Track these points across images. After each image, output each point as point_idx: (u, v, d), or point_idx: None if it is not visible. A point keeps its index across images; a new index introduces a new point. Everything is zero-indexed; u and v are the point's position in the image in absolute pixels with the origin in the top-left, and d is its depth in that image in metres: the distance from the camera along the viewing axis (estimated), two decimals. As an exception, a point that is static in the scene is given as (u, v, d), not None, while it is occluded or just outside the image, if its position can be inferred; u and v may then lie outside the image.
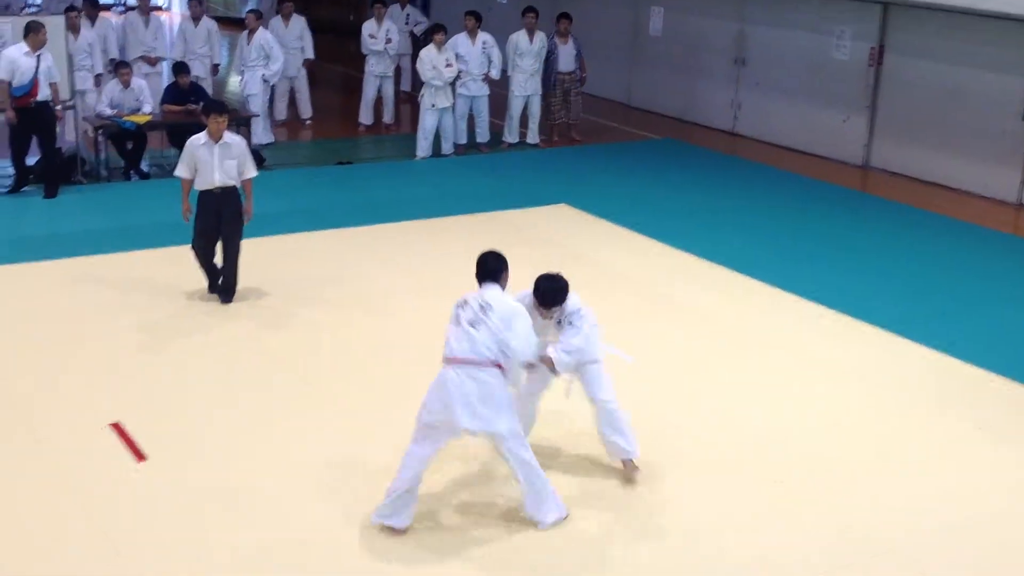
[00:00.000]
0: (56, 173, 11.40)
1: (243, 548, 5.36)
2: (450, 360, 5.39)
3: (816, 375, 7.63)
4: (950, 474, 6.30)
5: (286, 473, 6.07)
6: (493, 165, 13.65)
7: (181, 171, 8.37)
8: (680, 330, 8.27)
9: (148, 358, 7.56)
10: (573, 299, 5.87)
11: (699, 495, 5.98)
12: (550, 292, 5.77)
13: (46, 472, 6.03)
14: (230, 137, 8.32)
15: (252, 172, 8.46)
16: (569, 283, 5.81)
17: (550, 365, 5.76)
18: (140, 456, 6.21)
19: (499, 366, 5.34)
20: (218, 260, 8.55)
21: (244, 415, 6.76)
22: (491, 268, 5.61)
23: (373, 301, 8.78)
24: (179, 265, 8.77)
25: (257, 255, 9.74)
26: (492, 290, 5.54)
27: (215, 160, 8.23)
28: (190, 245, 8.47)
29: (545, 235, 10.63)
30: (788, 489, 6.06)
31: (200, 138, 8.25)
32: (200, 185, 8.30)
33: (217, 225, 8.37)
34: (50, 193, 11.28)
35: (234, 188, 8.37)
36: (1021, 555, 5.52)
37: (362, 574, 5.23)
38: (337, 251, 10.03)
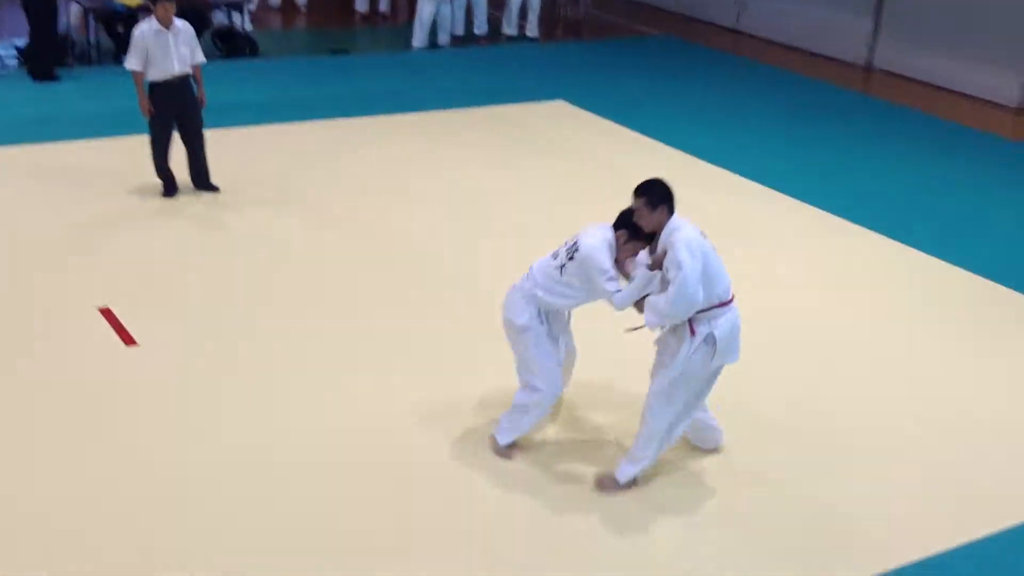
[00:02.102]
0: (46, 55, 11.23)
1: (229, 438, 5.42)
2: (730, 301, 4.85)
3: (811, 277, 7.62)
4: (933, 372, 6.33)
5: (278, 369, 6.10)
6: (490, 58, 13.43)
7: (133, 63, 7.88)
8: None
9: (136, 244, 7.52)
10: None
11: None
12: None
13: (37, 353, 6.05)
14: (179, 22, 7.99)
15: (201, 58, 8.17)
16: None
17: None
18: (130, 340, 6.22)
19: None
20: (179, 162, 8.32)
21: (237, 305, 6.76)
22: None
23: (363, 193, 8.71)
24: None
25: (246, 144, 9.68)
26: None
27: (173, 47, 7.91)
28: (149, 142, 8.15)
29: (541, 131, 10.50)
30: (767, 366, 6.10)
31: (150, 25, 7.87)
32: (155, 76, 7.93)
33: (178, 118, 8.11)
34: (39, 75, 11.13)
35: (189, 76, 8.09)
36: (1009, 455, 5.57)
37: (348, 467, 5.29)
38: (329, 142, 9.91)
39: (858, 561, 4.70)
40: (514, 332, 5.15)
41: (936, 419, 5.88)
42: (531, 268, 5.15)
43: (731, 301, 4.83)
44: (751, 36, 14.98)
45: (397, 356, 6.21)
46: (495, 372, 5.78)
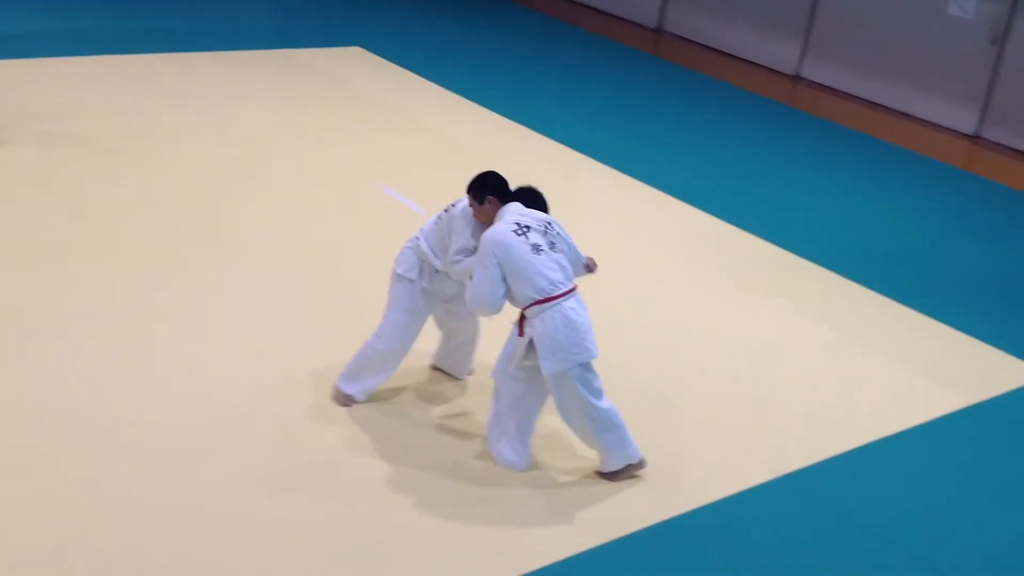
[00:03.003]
0: None
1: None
2: (556, 297, 4.58)
3: (605, 231, 7.79)
4: (720, 327, 6.61)
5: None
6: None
7: None
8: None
9: None
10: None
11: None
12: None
13: None
14: None
15: None
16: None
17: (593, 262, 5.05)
18: None
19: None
20: None
21: (16, 244, 6.27)
22: (506, 184, 4.86)
23: (150, 139, 8.23)
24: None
25: (16, 78, 8.96)
26: (522, 207, 4.79)
27: None
28: None
29: (338, 77, 10.23)
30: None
31: None
32: None
33: None
34: None
35: None
36: (770, 398, 5.89)
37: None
38: (105, 81, 9.29)
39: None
40: (392, 281, 5.09)
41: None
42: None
43: (556, 297, 4.58)
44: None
45: (160, 310, 5.95)
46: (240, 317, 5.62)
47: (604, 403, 4.76)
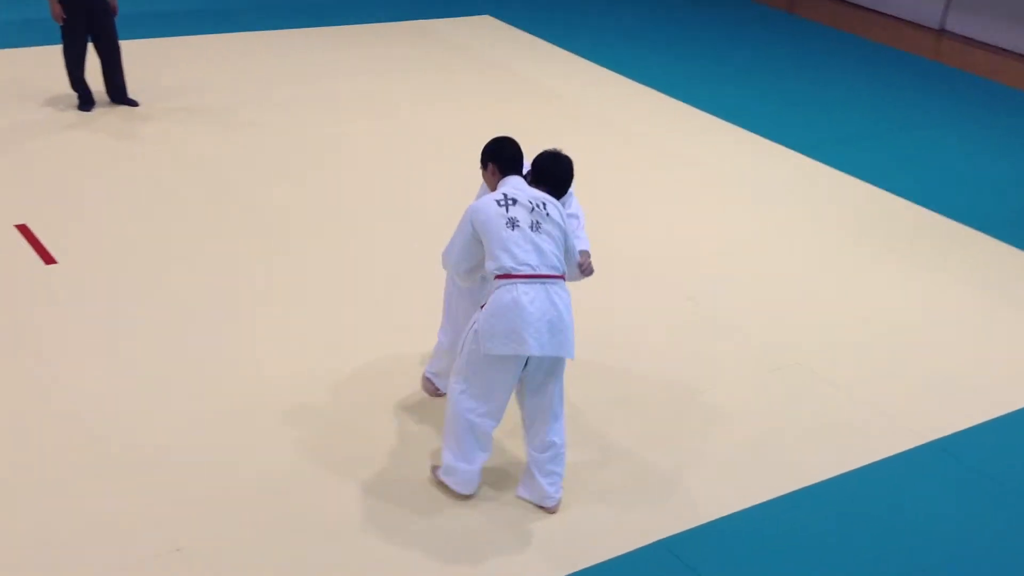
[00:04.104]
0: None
1: (156, 352, 5.28)
2: (517, 277, 4.21)
3: (736, 195, 7.67)
4: (860, 294, 6.45)
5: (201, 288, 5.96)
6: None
7: None
8: (609, 148, 8.21)
9: (51, 159, 7.23)
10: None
11: (615, 307, 6.02)
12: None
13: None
14: None
15: None
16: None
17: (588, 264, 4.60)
18: (49, 259, 6.00)
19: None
20: (93, 72, 8.02)
21: (155, 221, 6.56)
22: (516, 155, 4.50)
23: (281, 106, 8.47)
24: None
25: (162, 56, 9.33)
26: (523, 183, 4.47)
27: None
28: (62, 52, 7.84)
29: (468, 47, 10.31)
30: (699, 305, 6.15)
31: None
32: None
33: (88, 25, 7.78)
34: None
35: None
36: (917, 364, 5.73)
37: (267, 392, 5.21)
38: (247, 55, 9.60)
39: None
40: None
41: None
42: None
43: (516, 277, 4.21)
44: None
45: (314, 275, 6.12)
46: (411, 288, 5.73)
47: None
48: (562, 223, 4.35)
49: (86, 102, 8.01)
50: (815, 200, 7.70)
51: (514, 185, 4.41)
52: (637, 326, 5.88)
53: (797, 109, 9.49)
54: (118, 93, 8.13)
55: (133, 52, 8.57)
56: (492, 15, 11.34)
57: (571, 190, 4.67)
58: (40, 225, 6.33)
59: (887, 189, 7.91)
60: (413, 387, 5.14)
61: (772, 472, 4.77)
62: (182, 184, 7.05)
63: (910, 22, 12.23)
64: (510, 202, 4.30)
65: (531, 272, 4.21)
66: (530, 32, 10.86)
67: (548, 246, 4.27)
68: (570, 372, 4.65)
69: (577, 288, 4.57)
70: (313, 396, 5.03)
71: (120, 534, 4.12)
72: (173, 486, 4.39)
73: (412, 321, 5.64)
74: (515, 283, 4.20)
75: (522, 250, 4.22)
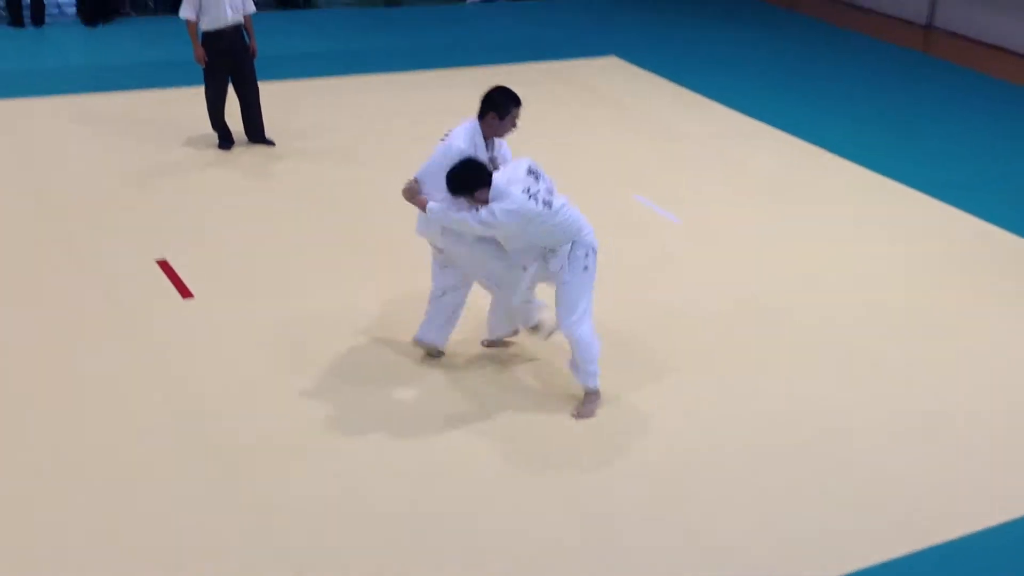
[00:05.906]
0: (101, 2, 11.33)
1: (298, 386, 5.50)
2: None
3: (851, 232, 7.55)
4: (972, 334, 6.26)
5: (334, 313, 6.18)
6: (543, 11, 13.33)
7: (187, 11, 7.93)
8: (726, 188, 8.18)
9: (190, 197, 7.62)
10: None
11: (725, 346, 5.99)
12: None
13: (95, 302, 6.16)
14: None
15: (252, 7, 8.19)
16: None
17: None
18: (187, 293, 6.31)
19: None
20: (232, 112, 8.39)
21: (290, 255, 6.83)
22: (495, 97, 5.68)
23: (416, 147, 8.70)
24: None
25: (299, 97, 9.73)
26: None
27: None
28: (204, 93, 8.24)
29: (594, 87, 10.43)
30: (812, 338, 6.06)
31: None
32: (209, 25, 7.96)
33: (232, 69, 8.16)
34: (90, 20, 11.23)
35: (241, 26, 8.12)
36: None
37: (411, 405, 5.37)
38: (382, 96, 9.93)
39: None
40: None
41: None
42: None
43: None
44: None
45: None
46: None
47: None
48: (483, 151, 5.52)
49: (226, 141, 8.43)
50: (928, 236, 7.50)
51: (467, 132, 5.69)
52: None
53: (918, 147, 9.26)
54: (256, 133, 8.53)
55: (270, 93, 8.96)
56: (617, 55, 11.45)
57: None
58: (179, 260, 6.68)
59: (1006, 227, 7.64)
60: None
61: None
62: (320, 225, 7.29)
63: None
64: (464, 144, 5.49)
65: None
66: (655, 72, 10.91)
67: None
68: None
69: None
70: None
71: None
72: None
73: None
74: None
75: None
